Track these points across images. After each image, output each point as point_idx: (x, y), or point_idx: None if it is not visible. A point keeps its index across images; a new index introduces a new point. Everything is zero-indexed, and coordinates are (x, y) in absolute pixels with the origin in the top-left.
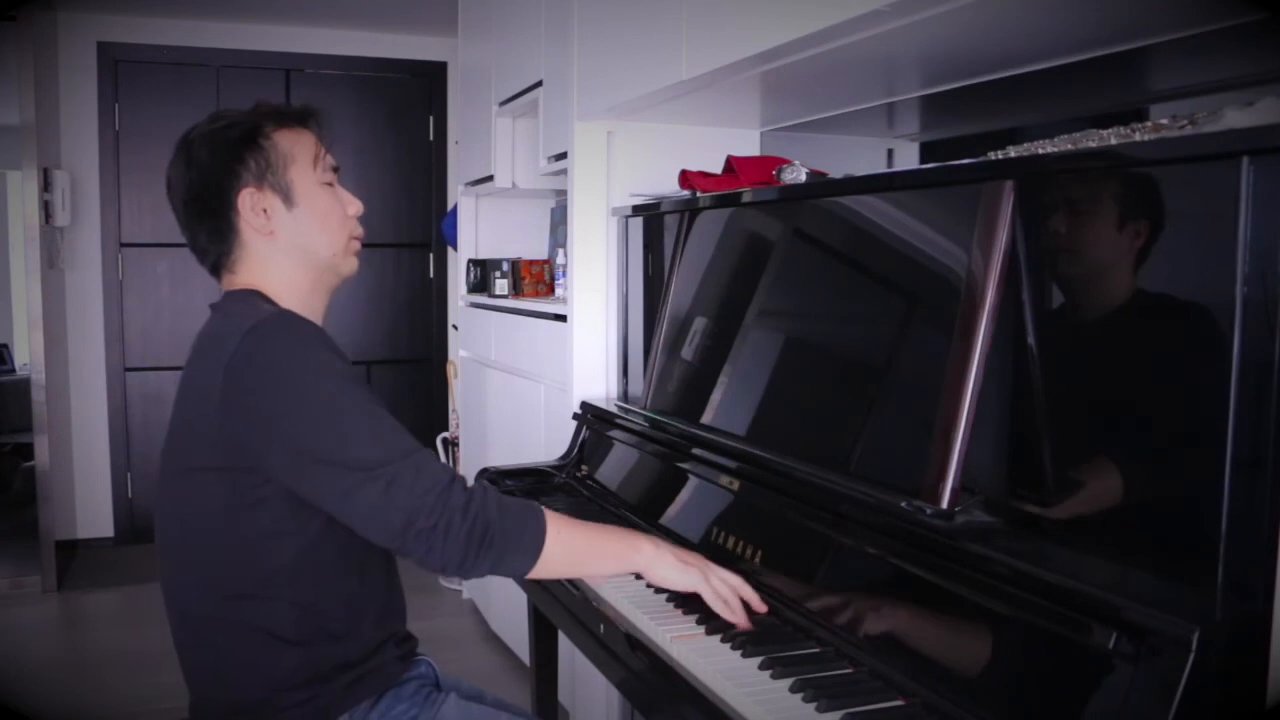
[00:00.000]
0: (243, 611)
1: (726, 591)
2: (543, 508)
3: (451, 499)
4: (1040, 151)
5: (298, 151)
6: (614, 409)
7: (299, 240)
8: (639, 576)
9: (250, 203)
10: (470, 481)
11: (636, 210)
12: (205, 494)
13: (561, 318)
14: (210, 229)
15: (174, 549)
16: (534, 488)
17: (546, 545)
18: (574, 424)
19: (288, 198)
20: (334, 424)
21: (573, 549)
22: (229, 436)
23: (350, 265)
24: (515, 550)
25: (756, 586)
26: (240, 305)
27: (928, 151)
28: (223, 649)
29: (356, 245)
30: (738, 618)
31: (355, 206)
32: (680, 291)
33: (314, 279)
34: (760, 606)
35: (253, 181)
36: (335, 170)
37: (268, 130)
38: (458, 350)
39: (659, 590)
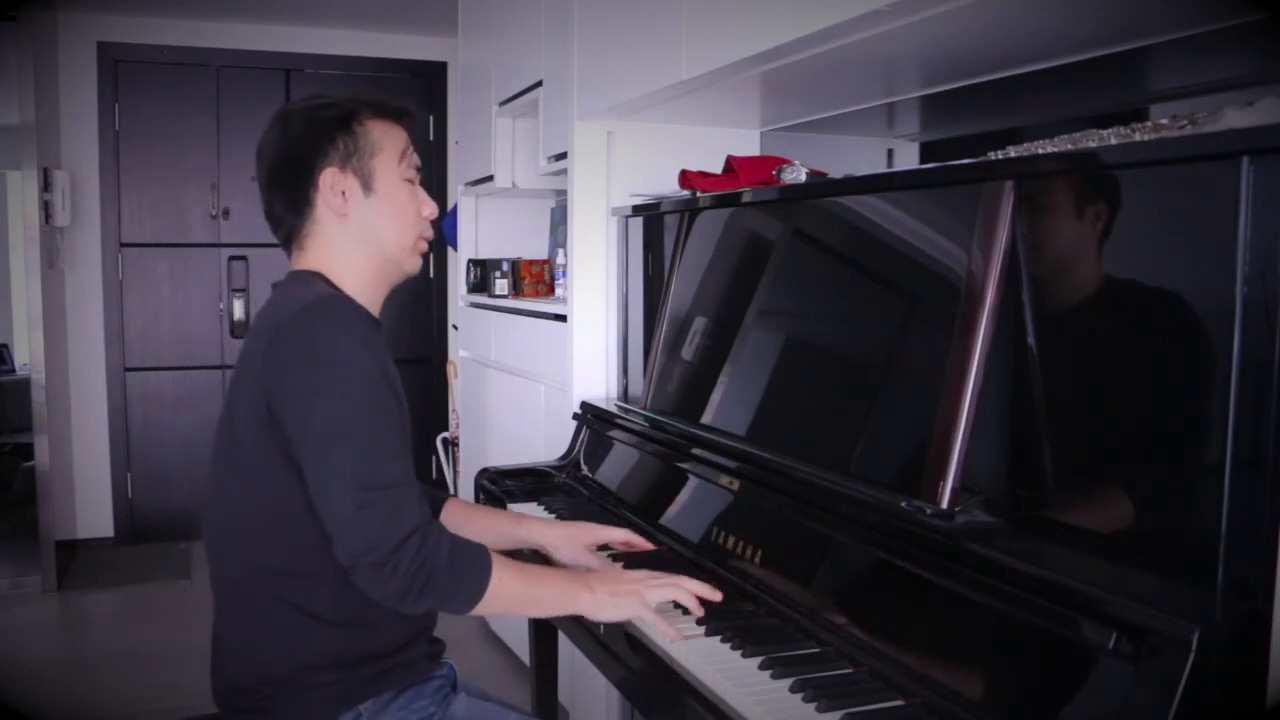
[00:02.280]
0: (281, 587)
1: (671, 595)
2: (493, 556)
3: (408, 544)
4: (1040, 151)
5: (386, 143)
6: (614, 409)
7: (369, 228)
8: None
9: (330, 181)
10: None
11: (636, 210)
12: (250, 469)
13: (561, 318)
14: (288, 199)
15: (218, 523)
16: (534, 488)
17: (486, 594)
18: (574, 424)
19: (367, 185)
20: (344, 424)
21: (512, 597)
22: (265, 406)
23: (414, 263)
24: (454, 596)
25: (755, 586)
26: (299, 286)
27: (928, 151)
28: (259, 623)
29: (424, 245)
30: (674, 632)
31: (430, 208)
32: (680, 291)
33: (377, 269)
34: (714, 595)
35: (338, 161)
36: (418, 170)
37: (362, 117)
38: (458, 350)
39: None
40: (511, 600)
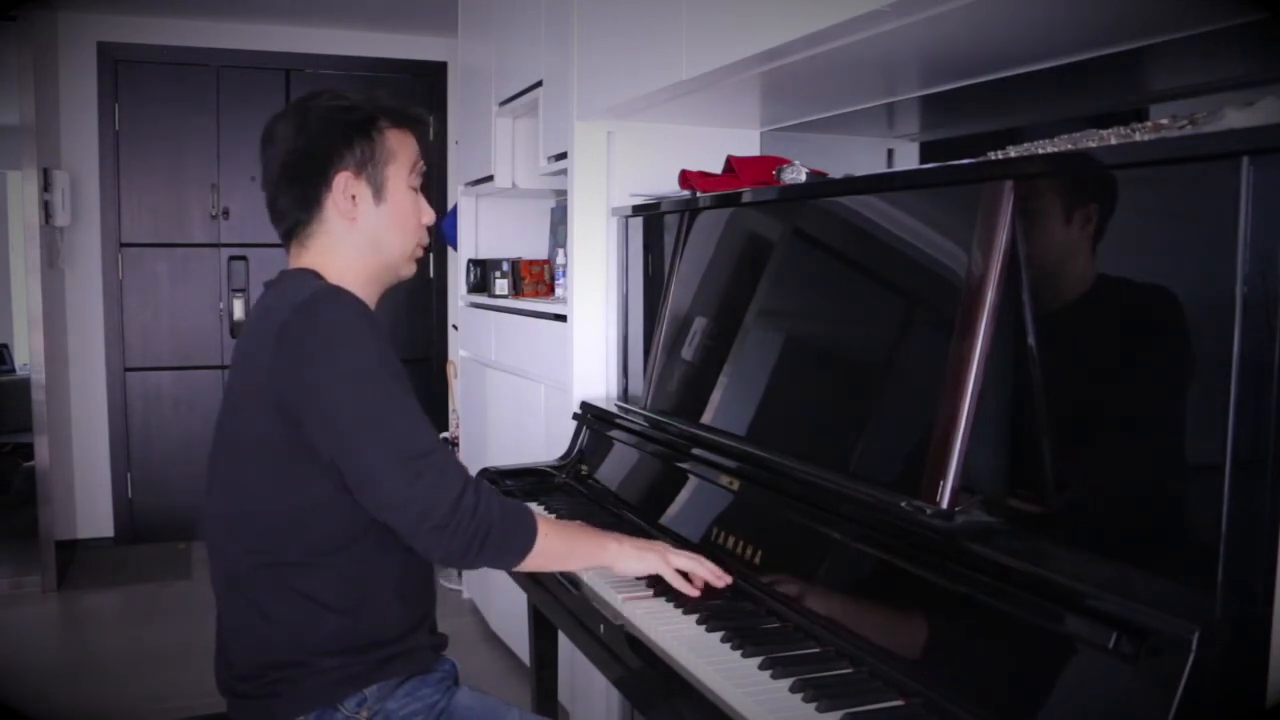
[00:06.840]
0: (285, 577)
1: (689, 565)
2: (534, 512)
3: (464, 502)
4: (1040, 151)
5: (401, 152)
6: (614, 409)
7: (375, 234)
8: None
9: (344, 185)
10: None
11: (636, 210)
12: (257, 465)
13: (561, 318)
14: (297, 195)
15: (223, 516)
16: (534, 488)
17: (534, 548)
18: (574, 424)
19: (379, 193)
20: (373, 406)
21: (553, 550)
22: (277, 405)
23: (409, 269)
24: (508, 551)
25: (755, 585)
26: (294, 282)
27: (928, 151)
28: (265, 610)
29: (420, 252)
30: (694, 590)
31: (429, 216)
32: (680, 291)
33: (375, 272)
34: (720, 581)
35: (353, 166)
36: (423, 176)
37: (381, 125)
38: (458, 350)
39: (659, 592)
40: (551, 554)
